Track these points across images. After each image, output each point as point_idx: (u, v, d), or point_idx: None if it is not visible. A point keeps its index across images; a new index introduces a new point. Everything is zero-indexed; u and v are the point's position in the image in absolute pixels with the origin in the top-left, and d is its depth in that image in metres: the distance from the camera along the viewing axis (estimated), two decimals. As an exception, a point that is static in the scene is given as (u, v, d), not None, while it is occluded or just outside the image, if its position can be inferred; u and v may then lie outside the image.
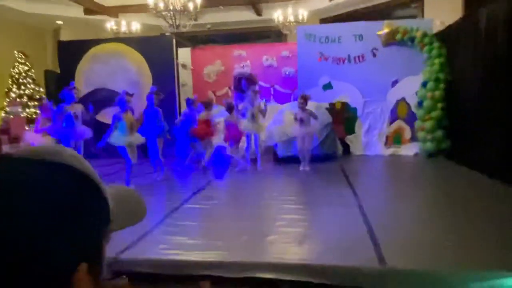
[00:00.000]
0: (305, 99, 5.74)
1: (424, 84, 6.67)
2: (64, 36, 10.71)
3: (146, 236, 3.10)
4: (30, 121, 9.29)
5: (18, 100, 9.63)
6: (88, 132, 5.69)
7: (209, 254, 2.72)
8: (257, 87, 7.27)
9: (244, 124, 5.86)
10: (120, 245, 2.87)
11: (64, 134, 5.53)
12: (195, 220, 3.71)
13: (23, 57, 10.09)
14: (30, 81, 10.15)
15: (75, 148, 5.55)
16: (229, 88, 8.35)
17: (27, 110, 9.81)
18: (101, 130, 7.87)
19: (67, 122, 5.52)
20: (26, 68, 10.11)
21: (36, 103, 10.12)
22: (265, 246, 2.90)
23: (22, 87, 10.01)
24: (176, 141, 6.75)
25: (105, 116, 7.92)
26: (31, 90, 10.10)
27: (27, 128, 8.11)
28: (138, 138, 5.27)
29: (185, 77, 8.87)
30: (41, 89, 9.90)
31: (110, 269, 2.65)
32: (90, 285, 0.47)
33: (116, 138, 5.01)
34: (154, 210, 3.92)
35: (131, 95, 5.35)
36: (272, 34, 11.42)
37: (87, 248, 0.48)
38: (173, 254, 2.74)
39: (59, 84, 8.33)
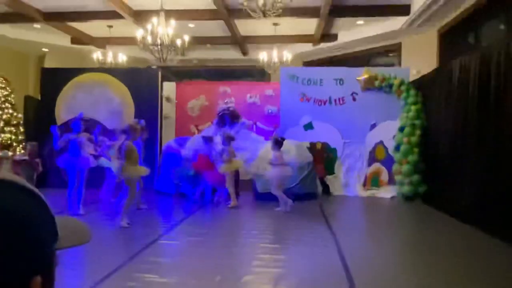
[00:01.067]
0: (277, 143, 5.71)
1: (401, 129, 6.89)
2: (49, 63, 10.67)
3: (115, 273, 2.96)
4: (4, 146, 9.00)
5: (-7, 124, 9.36)
6: (92, 161, 5.60)
7: (181, 294, 2.61)
8: (241, 122, 7.37)
9: (222, 167, 5.84)
10: (88, 282, 2.72)
11: (70, 162, 5.43)
12: (168, 257, 3.58)
13: (4, 81, 9.94)
14: (9, 105, 9.93)
15: (79, 176, 5.43)
16: (212, 123, 8.40)
17: (2, 135, 9.53)
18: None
19: (72, 151, 5.43)
20: (6, 93, 9.92)
21: (12, 128, 9.87)
22: (240, 287, 2.81)
23: (0, 112, 9.77)
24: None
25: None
26: (9, 115, 9.86)
27: (0, 153, 7.83)
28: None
29: (168, 110, 8.90)
30: (19, 115, 9.69)
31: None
32: None
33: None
34: (126, 245, 3.77)
35: (88, 120, 5.43)
36: (256, 73, 11.72)
37: (38, 262, 0.49)
38: (142, 293, 2.62)
39: (38, 110, 8.21)
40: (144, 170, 4.96)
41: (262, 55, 9.15)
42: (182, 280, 2.89)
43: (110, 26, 9.12)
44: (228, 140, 5.93)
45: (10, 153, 8.14)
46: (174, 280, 2.91)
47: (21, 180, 0.52)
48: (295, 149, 6.73)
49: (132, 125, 4.95)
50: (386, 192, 7.06)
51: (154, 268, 3.11)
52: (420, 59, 8.18)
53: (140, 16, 7.77)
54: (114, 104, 7.82)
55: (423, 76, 7.04)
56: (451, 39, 7.74)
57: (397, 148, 6.89)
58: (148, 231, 4.36)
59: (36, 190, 0.53)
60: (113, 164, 5.09)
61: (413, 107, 6.86)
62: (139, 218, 5.08)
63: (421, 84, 6.99)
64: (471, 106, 4.95)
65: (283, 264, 3.29)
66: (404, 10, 7.48)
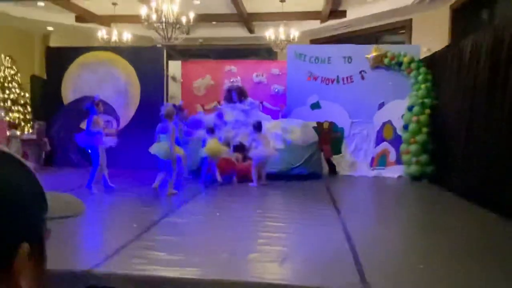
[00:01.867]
0: (255, 127, 5.94)
1: (410, 108, 6.78)
2: (54, 42, 10.61)
3: (122, 250, 2.99)
4: (13, 126, 9.07)
5: (1, 104, 9.42)
6: (113, 140, 5.65)
7: (187, 271, 2.63)
8: (248, 101, 7.34)
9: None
10: (94, 258, 2.76)
11: (91, 140, 5.43)
12: (174, 235, 3.61)
13: (10, 61, 9.93)
14: (16, 85, 9.96)
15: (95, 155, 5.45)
16: (218, 102, 8.34)
17: (10, 114, 9.59)
18: (84, 138, 7.75)
19: (89, 130, 5.45)
20: (12, 72, 9.93)
21: (20, 107, 9.91)
22: (245, 264, 2.83)
23: (7, 91, 9.80)
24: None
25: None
26: (16, 95, 9.90)
27: (8, 132, 7.89)
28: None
29: (174, 89, 8.84)
30: (26, 94, 9.72)
31: (83, 283, 2.54)
32: (33, 269, 0.48)
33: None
34: (132, 223, 3.81)
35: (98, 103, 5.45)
36: (262, 52, 11.55)
37: (25, 229, 0.48)
38: (149, 269, 2.64)
39: (44, 89, 8.20)
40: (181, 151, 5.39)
41: (269, 33, 8.98)
42: (188, 257, 2.92)
43: (115, 4, 8.99)
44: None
45: (18, 132, 8.22)
46: (180, 257, 2.94)
47: (4, 148, 0.51)
48: (300, 129, 6.68)
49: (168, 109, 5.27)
50: (393, 172, 7.02)
51: (160, 245, 3.13)
52: (431, 36, 7.97)
53: (145, -7, 7.62)
54: (120, 83, 7.78)
55: (434, 54, 6.87)
56: (464, 16, 7.51)
57: (405, 127, 6.80)
58: (153, 210, 4.39)
59: (22, 160, 0.52)
60: (163, 144, 5.14)
61: (423, 86, 6.72)
62: (147, 197, 5.13)
63: (432, 62, 6.83)
64: (481, 85, 4.83)
65: (288, 243, 3.30)
66: (415, -16, 7.24)
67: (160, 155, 5.14)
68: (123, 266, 2.70)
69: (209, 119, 6.83)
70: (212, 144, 5.84)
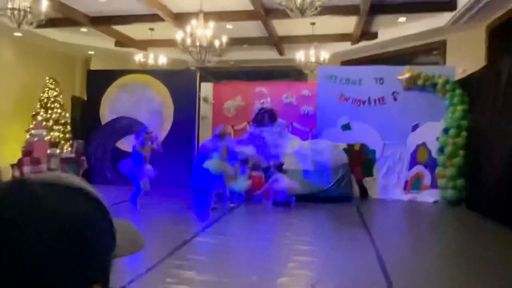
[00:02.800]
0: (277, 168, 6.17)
1: (445, 131, 6.58)
2: (94, 66, 11.19)
3: (153, 269, 3.04)
4: (53, 144, 9.53)
5: (43, 123, 9.96)
6: (153, 172, 5.87)
7: (217, 292, 2.63)
8: (279, 122, 7.41)
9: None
10: (127, 276, 2.81)
11: (133, 171, 5.67)
12: (205, 255, 3.63)
13: (54, 82, 10.53)
14: (58, 105, 10.51)
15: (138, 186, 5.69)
16: (248, 123, 8.44)
17: (52, 133, 10.10)
18: (119, 156, 8.04)
19: (136, 161, 5.68)
20: (55, 93, 10.51)
21: (60, 127, 10.43)
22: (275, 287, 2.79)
23: (49, 111, 10.36)
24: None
25: (125, 144, 8.08)
26: (58, 114, 10.44)
27: (48, 151, 8.30)
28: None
29: (206, 110, 9.04)
30: (67, 114, 10.23)
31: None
32: None
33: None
34: (164, 242, 3.86)
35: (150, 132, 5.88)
36: (293, 73, 11.64)
37: (97, 271, 0.47)
38: (180, 289, 2.66)
39: (84, 110, 8.62)
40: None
41: (299, 55, 9.07)
42: (219, 279, 2.92)
43: (152, 29, 9.41)
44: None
45: (58, 151, 8.64)
46: (210, 278, 2.94)
47: (77, 180, 0.51)
48: (330, 150, 6.63)
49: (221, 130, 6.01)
50: (428, 196, 6.76)
51: (191, 264, 3.16)
52: (466, 57, 7.76)
53: (180, 19, 7.95)
54: (155, 104, 8.06)
55: (470, 75, 6.68)
56: (501, 36, 7.29)
57: (441, 150, 6.59)
58: (184, 229, 4.44)
59: (95, 192, 0.51)
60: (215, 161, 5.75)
61: (459, 107, 6.53)
62: (175, 216, 5.20)
63: (468, 84, 6.64)
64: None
65: (319, 267, 3.24)
66: (449, 5, 7.13)
67: (212, 170, 5.69)
68: (153, 285, 2.73)
69: (245, 150, 6.83)
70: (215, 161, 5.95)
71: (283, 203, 6.00)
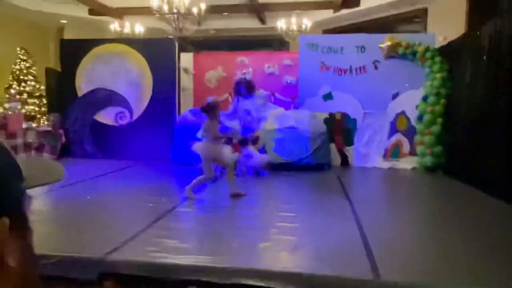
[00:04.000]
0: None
1: (424, 99, 6.66)
2: (68, 35, 10.74)
3: (135, 238, 3.04)
4: (28, 118, 9.25)
5: (17, 96, 9.60)
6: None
7: (199, 259, 2.66)
8: (258, 94, 7.33)
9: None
10: (108, 246, 2.81)
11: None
12: (187, 224, 3.65)
13: (25, 54, 10.09)
14: (31, 78, 10.13)
15: None
16: (230, 94, 8.34)
17: (26, 107, 9.78)
18: (98, 129, 7.87)
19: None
20: (27, 65, 10.10)
21: (36, 100, 10.09)
22: (257, 253, 2.84)
23: (23, 84, 9.98)
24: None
25: (103, 116, 7.90)
26: (32, 87, 10.07)
27: (24, 124, 8.05)
28: None
29: (186, 81, 8.86)
30: (42, 87, 9.88)
31: (96, 270, 2.59)
32: (18, 243, 0.47)
33: None
34: (145, 212, 3.86)
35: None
36: (274, 42, 11.46)
37: (1, 201, 0.47)
38: (161, 257, 2.68)
39: (59, 82, 8.32)
40: None
41: (281, 23, 8.90)
42: (201, 245, 2.95)
43: (127, -4, 9.02)
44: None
45: (34, 124, 8.38)
46: (193, 245, 2.97)
47: None
48: (308, 120, 6.67)
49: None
50: (407, 163, 6.93)
51: (173, 234, 3.17)
52: (447, 25, 7.78)
53: (156, -16, 7.62)
54: (133, 75, 7.83)
55: (450, 43, 6.71)
56: (482, 3, 7.29)
57: (419, 118, 6.69)
58: (166, 200, 4.43)
59: None
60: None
61: (438, 75, 6.58)
62: (157, 187, 5.18)
63: (448, 51, 6.67)
64: (501, 75, 4.70)
65: (300, 233, 3.30)
66: (431, -29, 7.06)
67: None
68: (135, 253, 2.74)
69: (233, 125, 6.73)
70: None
71: (256, 175, 6.06)
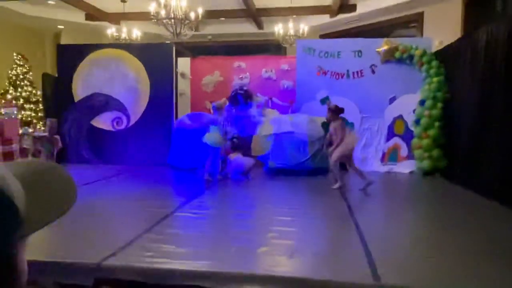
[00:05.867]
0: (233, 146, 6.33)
1: (422, 103, 6.67)
2: (64, 40, 10.72)
3: (132, 243, 3.00)
4: (25, 123, 9.20)
5: (14, 102, 9.55)
6: None
7: (197, 264, 2.62)
8: (255, 101, 7.31)
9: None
10: (104, 252, 2.77)
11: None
12: (184, 229, 3.61)
13: (22, 59, 10.06)
14: (28, 83, 10.09)
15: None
16: (227, 98, 8.34)
17: (23, 112, 9.73)
18: (95, 134, 7.83)
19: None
20: (24, 70, 10.07)
21: (32, 105, 10.04)
22: (255, 257, 2.81)
23: (19, 89, 9.94)
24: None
25: (100, 121, 7.86)
26: (28, 93, 10.04)
27: (20, 130, 8.00)
28: None
29: (183, 86, 8.86)
30: (38, 92, 9.84)
31: (92, 276, 2.55)
32: None
33: None
34: (143, 217, 3.82)
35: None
36: (271, 47, 11.49)
37: None
38: (159, 262, 2.64)
39: (56, 87, 8.29)
40: None
41: (278, 28, 8.93)
42: (199, 250, 2.92)
43: (124, 1, 9.03)
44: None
45: (30, 130, 8.33)
46: (190, 250, 2.94)
47: None
48: (306, 124, 6.66)
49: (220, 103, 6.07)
50: (404, 167, 6.92)
51: (170, 239, 3.14)
52: (443, 29, 7.83)
53: (153, -11, 7.63)
54: (130, 79, 7.81)
55: (446, 47, 6.74)
56: (477, 8, 7.35)
57: (417, 122, 6.70)
58: (163, 205, 4.40)
59: None
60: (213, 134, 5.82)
61: (435, 79, 6.61)
62: (154, 192, 5.15)
63: (444, 55, 6.70)
64: (497, 78, 4.71)
65: (298, 237, 3.28)
66: (427, -24, 7.11)
67: (212, 143, 5.72)
68: (132, 259, 2.70)
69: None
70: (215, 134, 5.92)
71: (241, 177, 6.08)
